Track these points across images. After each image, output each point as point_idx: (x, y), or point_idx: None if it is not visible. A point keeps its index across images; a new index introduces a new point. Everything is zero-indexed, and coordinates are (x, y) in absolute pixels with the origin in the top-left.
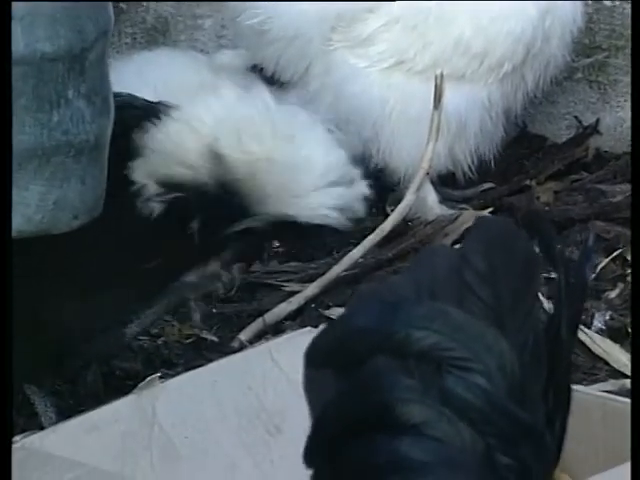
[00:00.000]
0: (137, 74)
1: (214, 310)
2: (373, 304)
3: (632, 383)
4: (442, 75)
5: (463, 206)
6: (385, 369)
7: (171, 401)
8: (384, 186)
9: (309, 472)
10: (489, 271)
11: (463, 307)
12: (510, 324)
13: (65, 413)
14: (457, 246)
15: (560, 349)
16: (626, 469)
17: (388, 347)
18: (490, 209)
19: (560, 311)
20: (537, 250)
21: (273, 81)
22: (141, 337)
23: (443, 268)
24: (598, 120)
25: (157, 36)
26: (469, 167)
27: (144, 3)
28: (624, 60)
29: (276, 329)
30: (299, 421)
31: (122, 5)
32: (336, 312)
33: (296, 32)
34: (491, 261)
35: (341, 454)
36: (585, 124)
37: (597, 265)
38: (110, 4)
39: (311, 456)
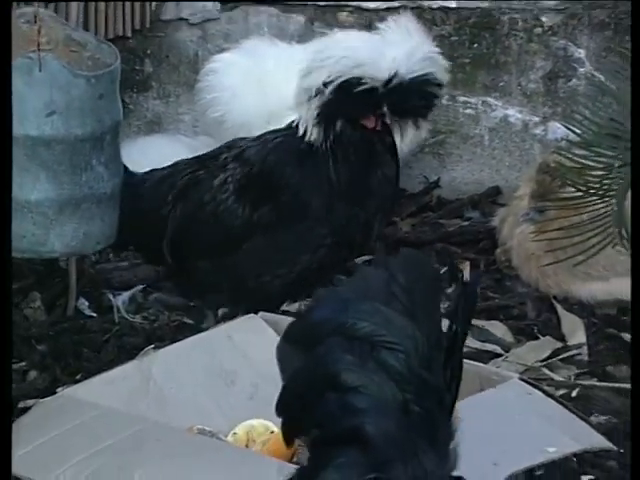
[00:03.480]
0: (140, 152)
1: (192, 303)
2: (329, 302)
3: (632, 382)
4: None
5: None
6: (336, 348)
7: (162, 364)
8: None
9: (279, 420)
10: (407, 284)
11: (390, 307)
12: (422, 319)
13: (93, 372)
14: None
15: (456, 337)
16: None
17: (339, 332)
18: None
19: (457, 312)
20: (442, 272)
21: None
22: (143, 323)
23: (377, 281)
24: (439, 178)
25: (154, 126)
26: None
27: (145, 106)
28: (456, 139)
29: (233, 315)
30: (246, 378)
31: (130, 106)
32: None
33: (243, 122)
34: (409, 278)
35: (304, 406)
36: (430, 181)
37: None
38: (121, 105)
39: (282, 408)
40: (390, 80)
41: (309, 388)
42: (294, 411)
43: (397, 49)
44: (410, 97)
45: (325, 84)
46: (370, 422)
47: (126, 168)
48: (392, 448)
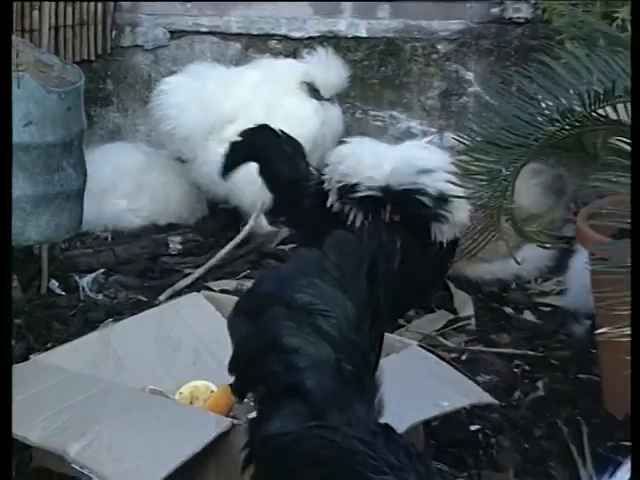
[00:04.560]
0: (102, 157)
1: (145, 283)
2: (272, 279)
3: (632, 382)
4: None
5: (280, 226)
6: (278, 316)
7: (119, 334)
8: (239, 216)
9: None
10: (337, 261)
11: (323, 280)
12: (350, 290)
13: (61, 342)
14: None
15: (379, 308)
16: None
17: (280, 303)
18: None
19: (379, 287)
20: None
21: (182, 160)
22: (105, 300)
23: (311, 259)
24: None
25: (114, 135)
26: None
27: (107, 118)
28: None
29: (179, 294)
30: (190, 346)
31: (95, 118)
32: (213, 284)
33: (189, 135)
34: (338, 255)
35: (252, 367)
36: None
37: None
38: (84, 116)
39: (233, 369)
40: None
41: (256, 351)
42: (244, 371)
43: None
44: (403, 204)
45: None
46: (309, 378)
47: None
48: (328, 400)
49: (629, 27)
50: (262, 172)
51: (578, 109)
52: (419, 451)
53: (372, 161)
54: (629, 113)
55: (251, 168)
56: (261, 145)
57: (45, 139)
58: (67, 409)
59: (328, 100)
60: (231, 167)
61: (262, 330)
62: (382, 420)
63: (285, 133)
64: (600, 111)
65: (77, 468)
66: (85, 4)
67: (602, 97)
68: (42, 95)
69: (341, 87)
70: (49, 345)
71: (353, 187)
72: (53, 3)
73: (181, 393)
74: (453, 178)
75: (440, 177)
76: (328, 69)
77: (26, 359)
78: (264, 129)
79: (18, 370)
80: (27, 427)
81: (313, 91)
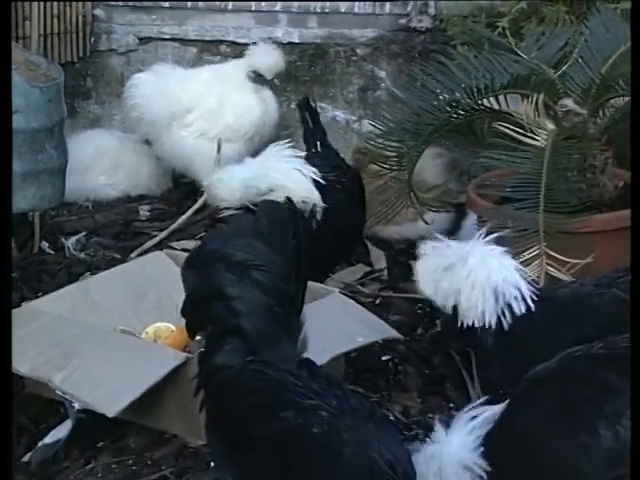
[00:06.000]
0: (85, 141)
1: (119, 244)
2: (216, 239)
3: (632, 382)
4: (220, 140)
5: None
6: (221, 270)
7: (97, 285)
8: (197, 188)
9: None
10: (268, 224)
11: (257, 240)
12: (279, 248)
13: (49, 292)
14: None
15: (303, 262)
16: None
17: (223, 259)
18: None
19: (302, 245)
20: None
21: (149, 143)
22: (86, 258)
23: (247, 222)
24: None
25: (94, 123)
26: None
27: (88, 109)
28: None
29: (147, 252)
30: (154, 294)
31: (78, 109)
32: (176, 244)
33: (155, 119)
34: (269, 219)
35: (199, 310)
36: None
37: None
38: (64, 106)
39: (185, 312)
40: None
41: (203, 298)
42: (194, 314)
43: None
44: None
45: None
46: (246, 320)
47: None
48: (262, 338)
49: (508, 34)
50: None
51: (468, 100)
52: (337, 379)
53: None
54: (508, 103)
55: (205, 148)
56: None
57: (30, 125)
58: (52, 346)
59: (272, 80)
60: None
61: (208, 281)
62: (310, 353)
63: None
64: (485, 102)
65: (60, 394)
66: (69, 16)
67: (486, 90)
68: (26, 89)
69: (279, 68)
70: (39, 294)
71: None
72: (42, 14)
73: (146, 333)
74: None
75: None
76: (267, 55)
77: (19, 306)
78: None
79: (13, 315)
80: (19, 361)
81: (258, 76)
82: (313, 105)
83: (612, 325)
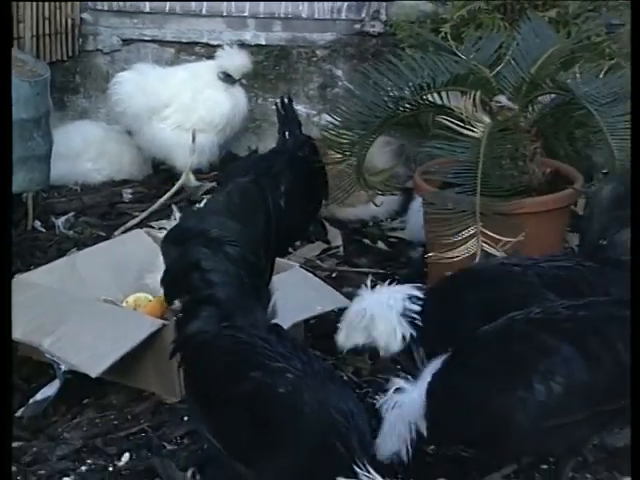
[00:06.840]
0: (74, 131)
1: (104, 223)
2: (192, 216)
3: (632, 381)
4: (195, 131)
5: (204, 181)
6: (198, 245)
7: (83, 259)
8: (174, 174)
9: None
10: (240, 203)
11: (230, 218)
12: (250, 225)
13: (41, 265)
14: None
15: (271, 237)
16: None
17: (199, 235)
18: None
19: (271, 222)
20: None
21: (131, 133)
22: (74, 235)
23: (221, 203)
24: (257, 147)
25: (82, 115)
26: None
27: (76, 103)
28: (267, 124)
29: (129, 231)
30: (134, 268)
31: (67, 103)
32: (155, 224)
33: (136, 112)
34: (240, 198)
35: (177, 281)
36: (252, 149)
37: None
38: (50, 99)
39: (164, 282)
40: None
41: (181, 270)
42: (172, 284)
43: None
44: None
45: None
46: (220, 290)
47: None
48: (235, 306)
49: (450, 38)
50: None
51: (414, 96)
52: (302, 343)
53: None
54: (449, 99)
55: (181, 138)
56: None
57: (20, 116)
58: (42, 314)
59: (240, 80)
60: None
61: (186, 255)
62: (275, 321)
63: None
64: (429, 97)
65: (49, 356)
66: (59, 19)
67: (430, 87)
68: (16, 84)
69: (246, 69)
70: (32, 268)
71: None
72: (34, 17)
73: (127, 302)
74: None
75: None
76: (234, 57)
77: (13, 278)
78: None
79: None
80: (13, 326)
81: (227, 76)
82: (288, 102)
83: (530, 296)
